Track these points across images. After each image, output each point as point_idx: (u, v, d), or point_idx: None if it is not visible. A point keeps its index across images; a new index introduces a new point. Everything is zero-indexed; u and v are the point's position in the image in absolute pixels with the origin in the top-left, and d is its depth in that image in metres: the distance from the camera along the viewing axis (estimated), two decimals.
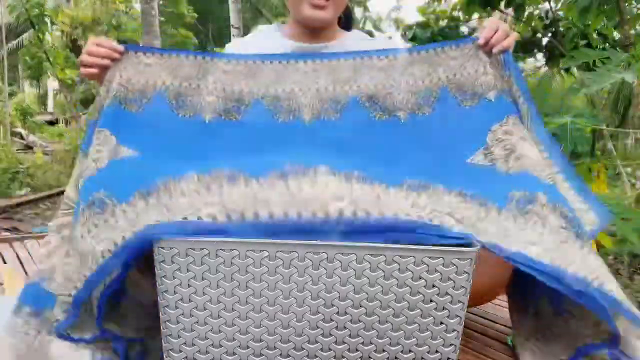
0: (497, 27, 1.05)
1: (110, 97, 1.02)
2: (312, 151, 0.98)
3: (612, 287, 0.84)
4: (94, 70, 1.03)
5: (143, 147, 0.99)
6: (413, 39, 3.83)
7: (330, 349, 0.83)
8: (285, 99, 1.08)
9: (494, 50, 1.04)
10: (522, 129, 1.01)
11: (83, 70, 1.04)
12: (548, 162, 1.01)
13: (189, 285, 0.80)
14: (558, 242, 0.85)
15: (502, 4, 3.14)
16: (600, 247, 1.64)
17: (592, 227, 0.97)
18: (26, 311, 0.94)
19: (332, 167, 0.88)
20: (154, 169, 0.90)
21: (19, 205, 5.22)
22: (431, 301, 0.81)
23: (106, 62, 1.02)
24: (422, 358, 0.83)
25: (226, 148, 1.01)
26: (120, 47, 1.03)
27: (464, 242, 0.82)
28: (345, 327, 0.82)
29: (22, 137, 10.70)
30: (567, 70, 3.78)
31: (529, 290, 1.04)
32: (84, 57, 1.03)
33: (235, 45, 1.36)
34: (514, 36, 1.06)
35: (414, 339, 0.82)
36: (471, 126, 1.04)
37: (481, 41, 1.05)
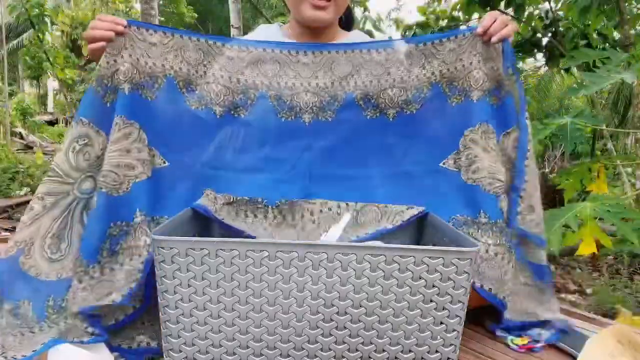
0: (495, 17, 1.07)
1: (126, 82, 1.01)
2: (311, 156, 1.11)
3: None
4: (100, 44, 1.02)
5: (169, 155, 1.07)
6: None
7: (330, 349, 0.83)
8: (288, 95, 1.12)
9: (493, 39, 1.05)
10: (490, 138, 1.07)
11: (90, 46, 1.03)
12: (502, 171, 1.07)
13: (189, 285, 0.80)
14: (482, 261, 1.00)
15: (502, 4, 3.13)
16: (600, 247, 1.64)
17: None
18: (6, 308, 0.94)
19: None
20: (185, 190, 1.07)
21: (19, 205, 5.22)
22: (431, 301, 0.81)
23: (110, 34, 1.01)
24: (422, 358, 0.83)
25: (238, 154, 1.11)
26: (123, 21, 1.03)
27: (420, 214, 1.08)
28: (345, 327, 0.82)
29: (22, 137, 10.70)
30: (567, 70, 3.78)
31: None
32: (90, 32, 1.02)
33: None
34: (512, 26, 1.07)
35: (414, 339, 0.82)
36: (451, 127, 1.11)
37: (479, 30, 1.06)
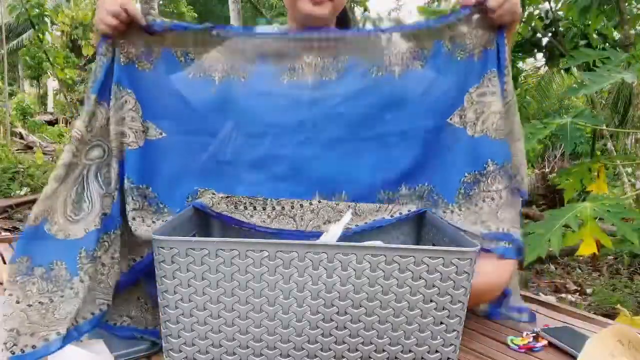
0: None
1: (122, 54, 1.03)
2: (317, 118, 1.09)
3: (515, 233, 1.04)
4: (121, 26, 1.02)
5: (166, 125, 1.07)
6: None
7: (330, 349, 0.83)
8: (290, 55, 1.11)
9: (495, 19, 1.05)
10: (496, 82, 1.08)
11: (107, 27, 1.01)
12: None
13: (189, 285, 0.80)
14: (495, 210, 1.05)
15: None
16: (600, 247, 1.64)
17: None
18: (38, 274, 0.94)
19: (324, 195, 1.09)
20: (181, 163, 1.08)
21: (19, 205, 5.22)
22: (431, 301, 0.81)
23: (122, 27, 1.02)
24: (422, 358, 0.83)
25: (237, 121, 1.10)
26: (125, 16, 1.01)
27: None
28: (345, 327, 0.82)
29: (22, 137, 10.69)
30: (567, 70, 3.78)
31: None
32: (111, 21, 1.00)
33: None
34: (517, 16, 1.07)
35: (414, 339, 0.82)
36: (456, 82, 1.11)
37: (493, 3, 1.03)
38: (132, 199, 1.01)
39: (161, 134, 1.07)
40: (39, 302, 0.92)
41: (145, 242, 1.01)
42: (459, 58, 1.09)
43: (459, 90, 1.10)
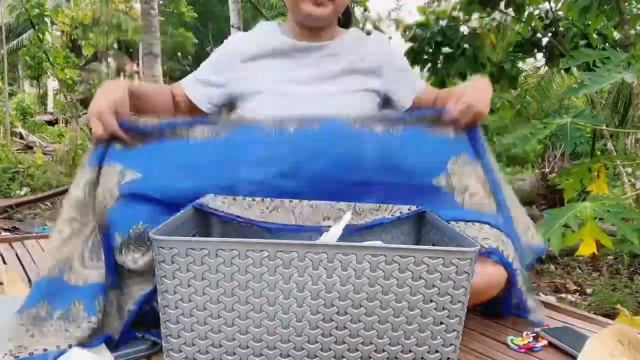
0: (467, 103, 1.09)
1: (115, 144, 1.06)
2: (297, 161, 1.07)
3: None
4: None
5: (142, 169, 1.04)
6: (413, 39, 3.84)
7: (330, 349, 0.83)
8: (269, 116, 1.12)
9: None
10: (474, 165, 1.13)
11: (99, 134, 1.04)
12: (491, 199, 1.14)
13: (189, 285, 0.80)
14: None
15: (502, 4, 3.14)
16: (600, 247, 1.64)
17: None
18: (56, 316, 0.94)
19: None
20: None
21: (18, 205, 5.22)
22: (431, 301, 0.81)
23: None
24: (422, 358, 0.83)
25: (214, 160, 1.08)
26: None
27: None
28: (345, 327, 0.82)
29: (22, 137, 10.70)
30: (567, 70, 3.78)
31: None
32: (101, 130, 1.03)
33: (235, 38, 1.35)
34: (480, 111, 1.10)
35: (414, 339, 0.82)
36: (437, 149, 1.13)
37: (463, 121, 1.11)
38: (133, 250, 0.99)
39: (136, 174, 1.04)
40: (54, 336, 0.93)
41: (147, 277, 1.01)
42: (431, 134, 1.13)
43: (439, 156, 1.12)
